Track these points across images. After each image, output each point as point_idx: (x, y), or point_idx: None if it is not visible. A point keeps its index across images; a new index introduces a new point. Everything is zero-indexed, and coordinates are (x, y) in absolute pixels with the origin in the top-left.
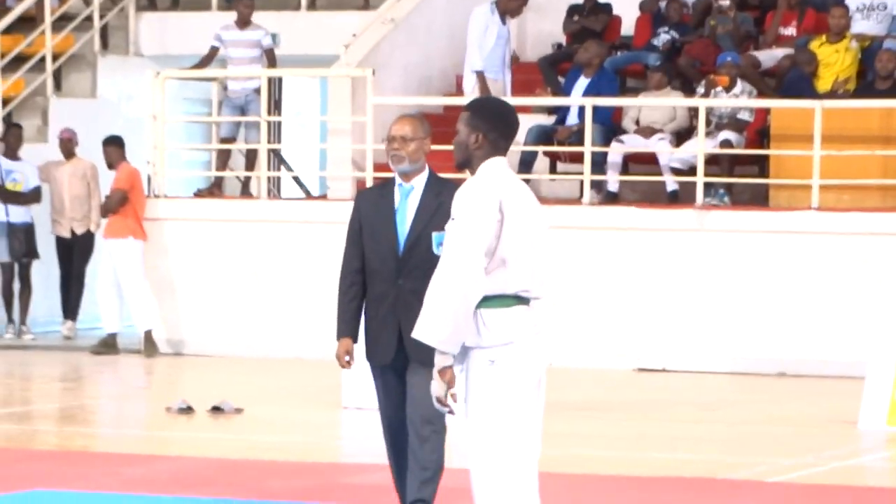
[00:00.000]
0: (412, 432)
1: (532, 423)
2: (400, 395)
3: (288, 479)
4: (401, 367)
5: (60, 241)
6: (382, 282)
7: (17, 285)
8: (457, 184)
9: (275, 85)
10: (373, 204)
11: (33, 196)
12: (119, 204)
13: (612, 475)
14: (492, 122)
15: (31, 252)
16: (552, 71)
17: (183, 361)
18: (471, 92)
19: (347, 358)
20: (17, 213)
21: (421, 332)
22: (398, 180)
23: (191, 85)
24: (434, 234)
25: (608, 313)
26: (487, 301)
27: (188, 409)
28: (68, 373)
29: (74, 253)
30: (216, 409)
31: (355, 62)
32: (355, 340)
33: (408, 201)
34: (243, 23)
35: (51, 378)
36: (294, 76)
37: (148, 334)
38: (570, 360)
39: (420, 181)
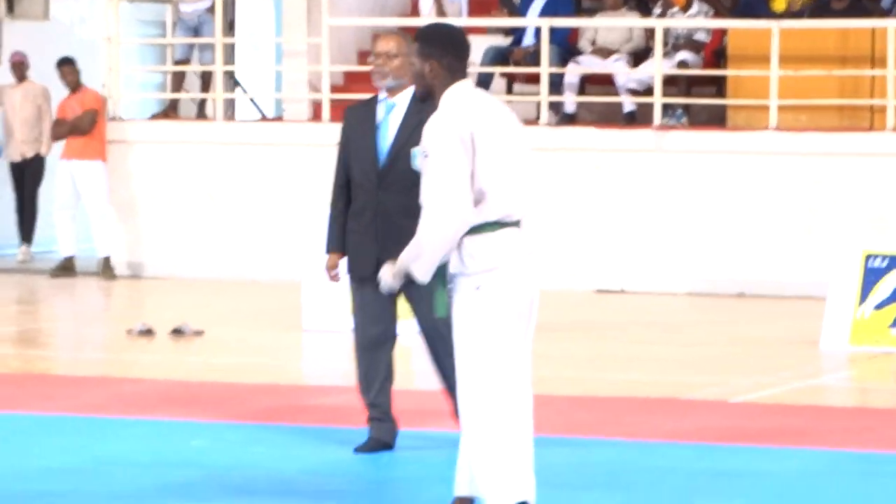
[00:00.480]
0: (440, 344)
1: (521, 347)
2: (378, 309)
3: (251, 401)
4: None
5: (13, 166)
6: (364, 194)
7: None
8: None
9: (229, 5)
10: (358, 120)
11: None
12: (91, 125)
13: (572, 395)
14: (442, 48)
15: None
16: None
17: (142, 284)
18: (427, 14)
19: (336, 272)
20: None
21: (411, 267)
22: (382, 96)
23: (144, 7)
24: (413, 150)
25: (567, 234)
26: (470, 229)
27: (148, 332)
28: (25, 295)
29: (26, 176)
30: (177, 332)
31: None
32: (343, 254)
33: (390, 116)
34: None
35: (8, 301)
36: None
37: (106, 259)
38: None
39: (404, 98)
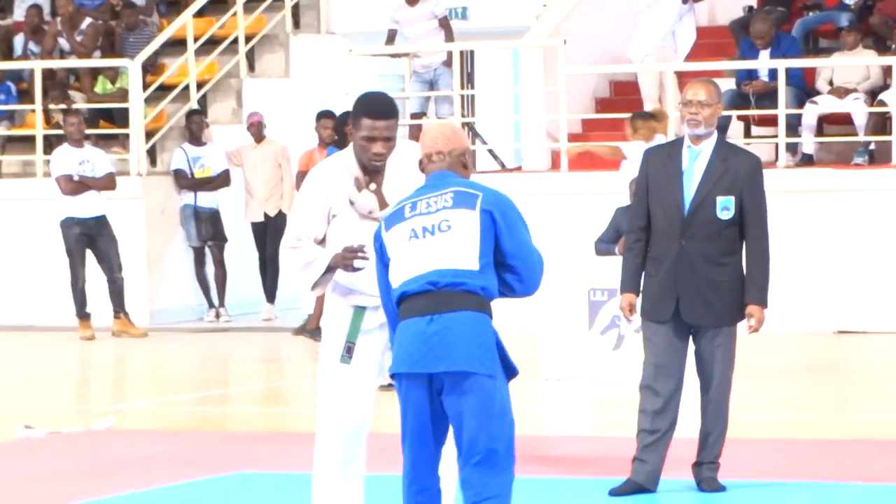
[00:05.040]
0: (703, 394)
1: None
2: (668, 356)
3: None
4: (682, 328)
5: (255, 225)
6: (666, 241)
7: (211, 269)
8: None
9: (466, 58)
10: (661, 164)
11: (222, 180)
12: None
13: (814, 439)
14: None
15: (218, 236)
16: (743, 34)
17: None
18: (641, 61)
19: (631, 311)
20: (205, 199)
21: None
22: (687, 142)
23: (383, 61)
24: (718, 199)
25: (807, 276)
26: None
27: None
28: (269, 354)
29: (268, 235)
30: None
31: (546, 32)
32: (637, 295)
33: (695, 164)
34: None
35: (252, 359)
36: (485, 49)
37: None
38: (769, 325)
39: (709, 145)
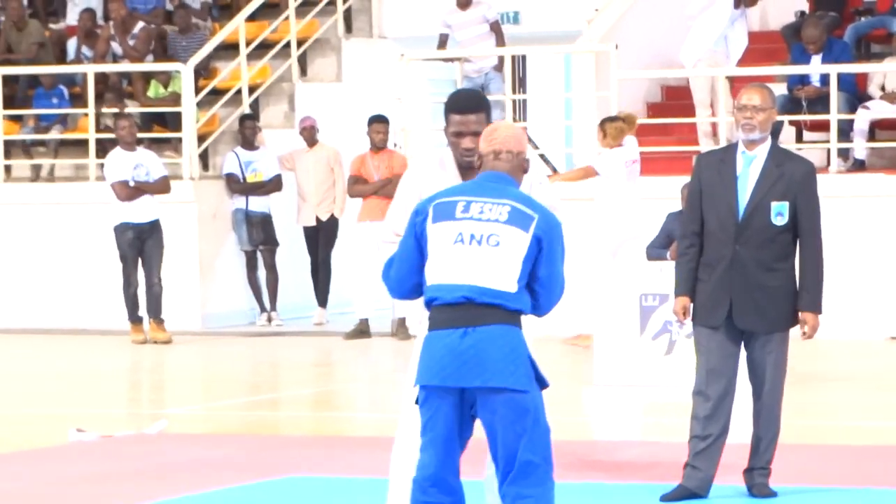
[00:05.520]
0: (755, 400)
1: None
2: (720, 360)
3: None
4: (734, 333)
5: (307, 229)
6: (719, 246)
7: (263, 273)
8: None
9: (518, 63)
10: (715, 168)
11: (274, 185)
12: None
13: (864, 445)
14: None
15: (269, 240)
16: (795, 39)
17: None
18: (693, 66)
19: (685, 315)
20: (257, 203)
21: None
22: (741, 147)
23: (435, 66)
24: (772, 204)
25: (859, 282)
26: None
27: None
28: (320, 358)
29: (320, 239)
30: None
31: (598, 37)
32: (692, 300)
33: (749, 170)
34: (464, 3)
35: (303, 364)
36: (536, 53)
37: (402, 319)
38: (822, 331)
39: (763, 150)
